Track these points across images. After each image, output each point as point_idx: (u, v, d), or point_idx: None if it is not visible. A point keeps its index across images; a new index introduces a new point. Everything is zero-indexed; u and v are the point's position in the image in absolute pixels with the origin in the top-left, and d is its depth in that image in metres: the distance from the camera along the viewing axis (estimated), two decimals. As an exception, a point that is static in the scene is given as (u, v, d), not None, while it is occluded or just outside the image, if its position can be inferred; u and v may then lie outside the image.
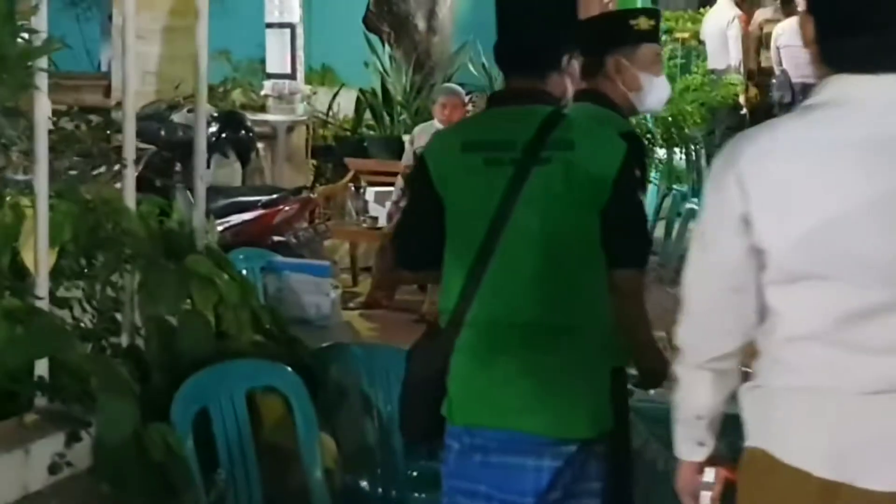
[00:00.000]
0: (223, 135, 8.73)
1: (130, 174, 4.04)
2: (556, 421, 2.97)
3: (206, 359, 3.86)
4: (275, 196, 7.99)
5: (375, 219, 9.01)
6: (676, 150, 10.35)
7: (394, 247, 3.30)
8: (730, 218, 2.25)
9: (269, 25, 10.12)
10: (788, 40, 10.95)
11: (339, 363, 4.25)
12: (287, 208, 7.97)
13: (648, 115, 10.22)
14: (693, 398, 2.49)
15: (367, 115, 10.46)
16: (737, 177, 2.22)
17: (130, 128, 4.00)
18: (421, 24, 10.57)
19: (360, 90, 10.53)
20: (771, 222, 2.21)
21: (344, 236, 8.96)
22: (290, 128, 9.91)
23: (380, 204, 8.93)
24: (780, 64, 11.48)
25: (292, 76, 10.04)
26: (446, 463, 3.08)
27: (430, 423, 3.10)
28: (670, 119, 9.83)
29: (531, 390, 2.98)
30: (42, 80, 3.58)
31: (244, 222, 7.71)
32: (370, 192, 9.07)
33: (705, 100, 10.68)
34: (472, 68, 10.05)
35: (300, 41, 10.13)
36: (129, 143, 4.00)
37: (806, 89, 10.67)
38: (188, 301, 3.99)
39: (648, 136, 10.04)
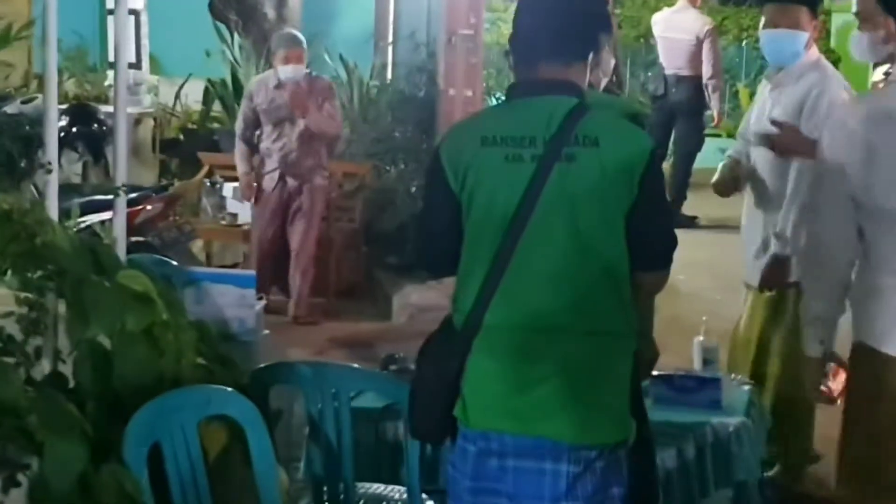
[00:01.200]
0: (73, 129, 8.17)
1: (53, 179, 3.61)
2: (576, 427, 2.89)
3: (148, 387, 3.46)
4: (135, 195, 7.49)
5: (235, 216, 8.60)
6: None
7: (416, 250, 3.14)
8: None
9: (111, 11, 9.53)
10: (663, 31, 10.87)
11: (282, 384, 3.90)
12: (149, 207, 7.49)
13: None
14: (815, 304, 3.37)
15: (217, 106, 9.97)
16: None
17: (53, 126, 3.57)
18: (270, 12, 10.14)
19: (209, 81, 10.03)
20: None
21: (210, 236, 8.49)
22: (137, 120, 9.36)
23: (238, 200, 8.53)
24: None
25: (137, 66, 9.50)
26: (461, 464, 2.99)
27: (442, 424, 3.01)
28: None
29: (551, 396, 2.89)
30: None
31: (102, 223, 7.20)
32: (228, 188, 8.65)
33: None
34: (327, 59, 9.67)
35: (145, 28, 9.59)
36: (52, 144, 3.57)
37: (680, 81, 10.66)
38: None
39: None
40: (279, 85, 7.71)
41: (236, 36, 10.08)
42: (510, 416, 2.89)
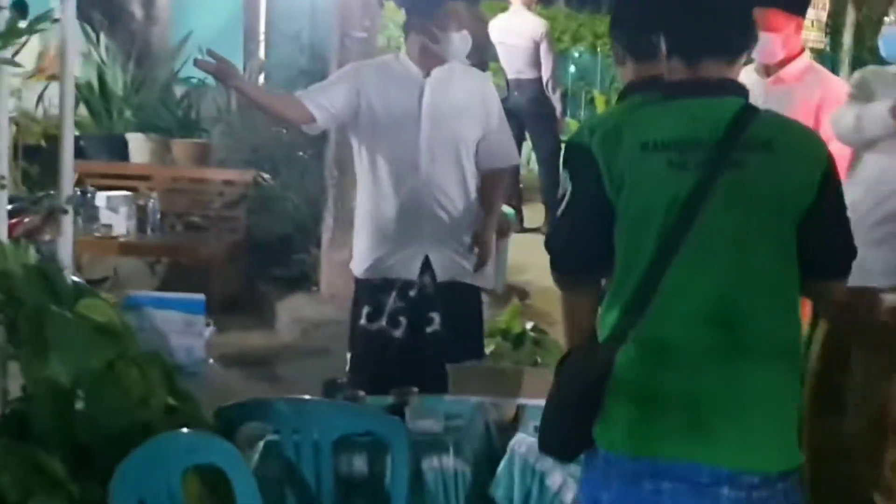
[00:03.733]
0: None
1: (3, 198, 3.15)
2: (736, 453, 2.66)
3: (117, 432, 3.03)
4: (12, 205, 6.89)
5: (110, 226, 8.04)
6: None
7: (553, 253, 2.83)
8: None
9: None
10: (501, 37, 10.73)
11: (254, 423, 3.49)
12: (27, 219, 6.90)
13: None
14: None
15: (83, 110, 9.34)
16: None
17: (3, 140, 3.10)
18: (138, 11, 9.58)
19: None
20: None
21: (84, 248, 7.90)
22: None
23: (113, 210, 8.00)
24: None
25: (-4, 67, 8.81)
26: (604, 487, 2.72)
27: (578, 442, 2.78)
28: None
29: (709, 419, 2.66)
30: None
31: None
32: (101, 197, 8.08)
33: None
34: (204, 60, 9.15)
35: (2, 27, 8.90)
36: (2, 157, 3.10)
37: (521, 84, 10.53)
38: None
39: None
40: None
41: (102, 36, 9.48)
42: (660, 439, 2.65)
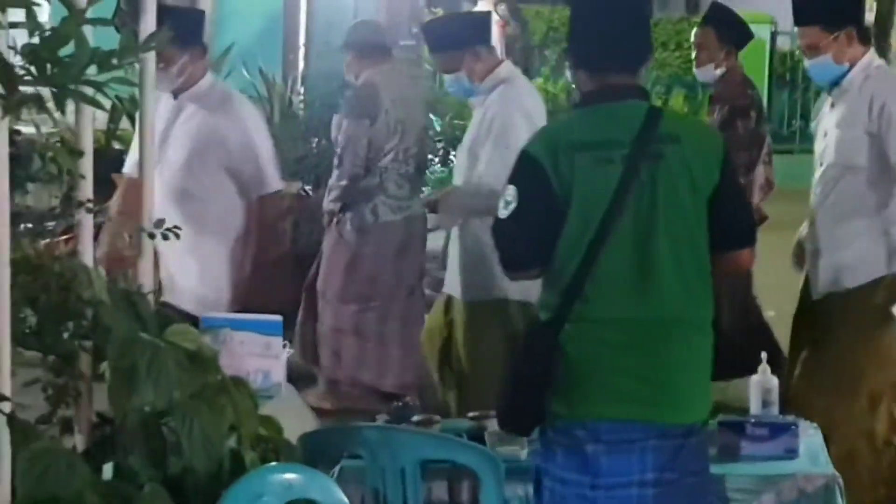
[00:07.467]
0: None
1: (88, 222, 3.04)
2: (674, 409, 3.19)
3: (210, 463, 2.91)
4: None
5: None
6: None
7: (501, 248, 3.27)
8: None
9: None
10: None
11: (334, 450, 3.38)
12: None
13: None
14: None
15: (125, 124, 9.25)
16: None
17: (88, 159, 3.00)
18: (179, 23, 9.45)
19: (117, 97, 9.30)
20: None
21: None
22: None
23: (160, 224, 7.88)
24: None
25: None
26: (552, 459, 3.18)
27: (533, 418, 3.20)
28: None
29: (648, 383, 3.16)
30: None
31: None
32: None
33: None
34: (245, 73, 9.08)
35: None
36: (88, 181, 3.00)
37: None
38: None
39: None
40: None
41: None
42: (610, 402, 3.13)
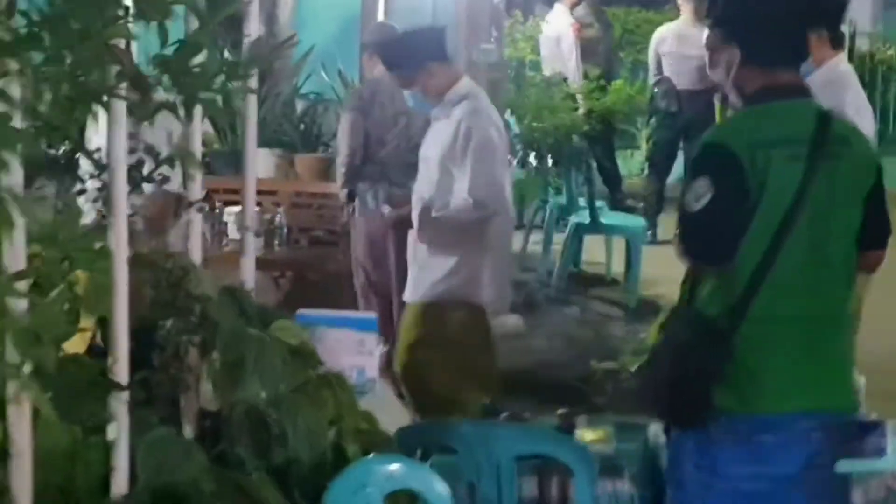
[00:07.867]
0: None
1: (199, 222, 3.15)
2: (841, 397, 3.41)
3: (314, 455, 3.00)
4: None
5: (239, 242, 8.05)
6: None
7: (692, 241, 3.28)
8: None
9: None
10: (671, 47, 10.58)
11: (431, 448, 3.45)
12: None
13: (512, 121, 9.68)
14: None
15: (206, 126, 9.40)
16: None
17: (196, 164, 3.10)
18: (260, 30, 9.60)
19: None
20: None
21: (219, 264, 7.90)
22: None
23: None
24: (661, 71, 10.97)
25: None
26: (715, 453, 3.26)
27: (707, 412, 3.22)
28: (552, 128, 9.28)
29: (818, 375, 3.32)
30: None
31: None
32: (227, 213, 8.11)
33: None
34: (325, 75, 9.19)
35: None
36: (197, 181, 3.10)
37: (693, 96, 10.38)
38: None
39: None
40: None
41: (226, 53, 9.53)
42: (801, 396, 3.27)
